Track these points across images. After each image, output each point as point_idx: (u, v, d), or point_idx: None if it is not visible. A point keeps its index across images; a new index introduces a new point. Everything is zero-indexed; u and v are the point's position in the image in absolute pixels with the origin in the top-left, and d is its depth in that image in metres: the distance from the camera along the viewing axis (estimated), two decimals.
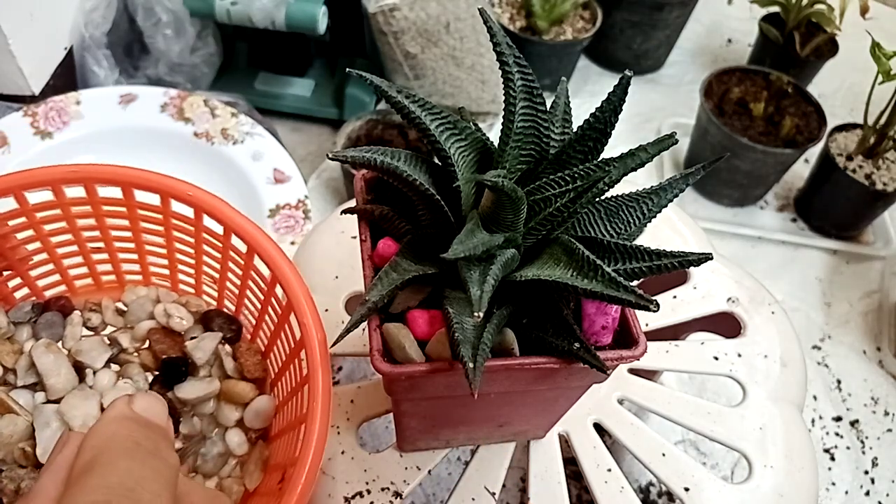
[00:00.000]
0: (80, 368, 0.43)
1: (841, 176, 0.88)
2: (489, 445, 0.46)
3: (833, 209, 0.94)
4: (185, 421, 0.44)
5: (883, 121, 0.86)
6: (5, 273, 0.45)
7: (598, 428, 0.47)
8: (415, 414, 0.38)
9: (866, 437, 0.77)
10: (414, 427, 0.41)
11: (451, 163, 0.31)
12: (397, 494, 0.43)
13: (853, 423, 0.78)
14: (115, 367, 0.45)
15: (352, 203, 0.36)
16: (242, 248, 0.44)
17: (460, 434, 0.43)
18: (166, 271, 0.50)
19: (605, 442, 0.47)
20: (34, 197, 0.43)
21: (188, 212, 0.44)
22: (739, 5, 1.24)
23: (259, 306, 0.46)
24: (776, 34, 1.05)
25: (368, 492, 0.42)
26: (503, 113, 0.31)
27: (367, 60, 1.00)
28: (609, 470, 0.45)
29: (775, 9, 1.07)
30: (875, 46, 0.80)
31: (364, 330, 0.32)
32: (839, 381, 0.82)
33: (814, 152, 0.94)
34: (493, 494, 0.44)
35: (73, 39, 0.80)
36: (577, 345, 0.30)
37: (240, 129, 0.83)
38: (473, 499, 0.43)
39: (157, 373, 0.45)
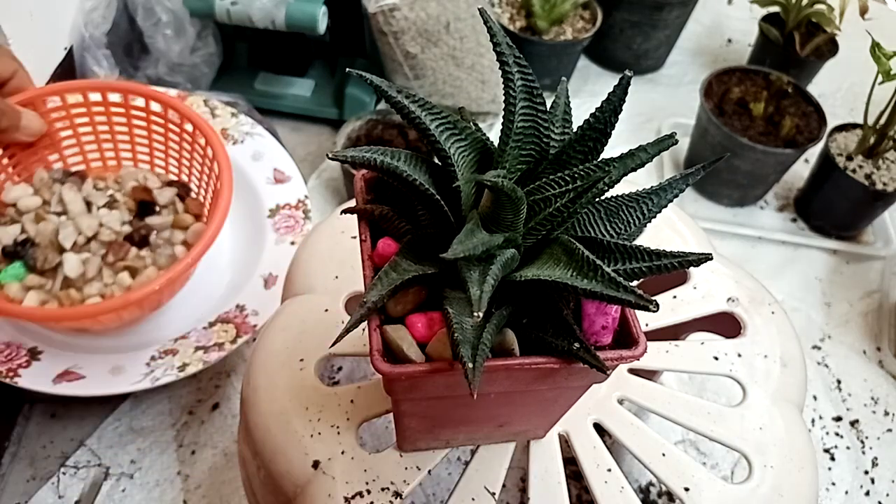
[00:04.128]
0: (88, 205, 0.66)
1: (841, 176, 0.88)
2: (489, 445, 0.46)
3: (833, 209, 0.94)
4: (152, 240, 0.67)
5: (883, 121, 0.86)
6: (48, 150, 0.69)
7: (598, 428, 0.47)
8: (415, 414, 0.38)
9: (866, 437, 0.77)
10: (414, 427, 0.41)
11: (451, 163, 0.31)
12: (397, 494, 0.43)
13: (853, 423, 0.78)
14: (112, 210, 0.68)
15: (352, 203, 0.36)
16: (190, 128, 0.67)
17: (460, 434, 0.43)
18: (147, 157, 0.73)
19: (605, 442, 0.47)
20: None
21: (157, 108, 0.69)
22: (739, 5, 1.24)
23: (200, 173, 0.70)
24: (776, 34, 1.05)
25: (368, 492, 0.42)
26: (503, 113, 0.31)
27: (367, 60, 1.00)
28: (609, 470, 0.45)
29: (775, 9, 1.07)
30: (875, 46, 0.80)
31: (364, 330, 0.32)
32: (839, 381, 0.82)
33: (814, 152, 0.94)
34: (493, 494, 0.44)
35: (73, 39, 0.80)
36: (577, 345, 0.30)
37: (240, 129, 0.83)
38: (473, 499, 0.43)
39: (135, 213, 0.68)
